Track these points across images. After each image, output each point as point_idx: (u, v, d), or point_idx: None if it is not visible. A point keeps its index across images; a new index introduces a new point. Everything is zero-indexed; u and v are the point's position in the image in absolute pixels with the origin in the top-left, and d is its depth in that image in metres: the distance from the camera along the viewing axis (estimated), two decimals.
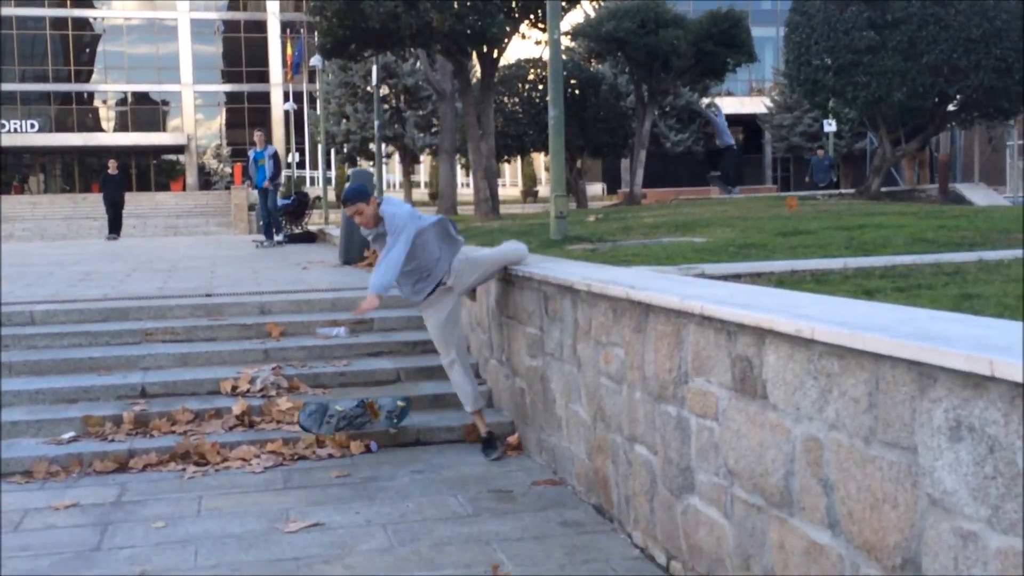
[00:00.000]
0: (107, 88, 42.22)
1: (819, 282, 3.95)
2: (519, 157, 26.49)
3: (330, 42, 14.44)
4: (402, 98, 29.07)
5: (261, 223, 15.18)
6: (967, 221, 6.59)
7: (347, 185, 5.23)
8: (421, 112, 28.79)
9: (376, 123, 16.03)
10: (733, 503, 2.82)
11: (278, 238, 14.22)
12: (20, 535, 3.79)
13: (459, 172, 22.32)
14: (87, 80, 42.18)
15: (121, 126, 42.17)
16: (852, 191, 16.39)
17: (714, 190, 18.54)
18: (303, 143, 37.86)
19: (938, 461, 1.97)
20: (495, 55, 15.26)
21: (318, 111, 28.31)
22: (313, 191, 24.79)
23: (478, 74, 17.05)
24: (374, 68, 17.67)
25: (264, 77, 42.45)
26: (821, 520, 2.38)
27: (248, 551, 3.55)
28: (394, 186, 33.87)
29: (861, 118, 15.61)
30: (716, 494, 2.91)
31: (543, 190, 32.31)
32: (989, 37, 12.44)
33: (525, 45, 18.21)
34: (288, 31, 39.20)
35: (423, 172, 37.95)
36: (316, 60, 23.04)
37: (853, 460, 2.24)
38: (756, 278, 4.11)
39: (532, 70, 20.76)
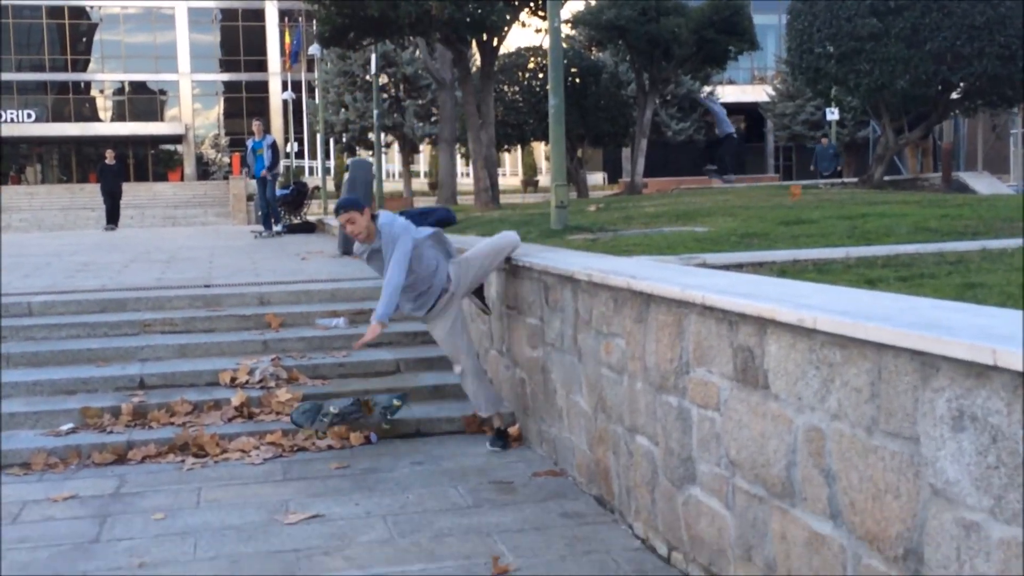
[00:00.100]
0: (104, 77, 42.05)
1: (821, 272, 3.93)
2: (519, 146, 26.41)
3: (329, 30, 14.36)
4: (401, 87, 28.95)
5: (260, 213, 15.13)
6: (970, 210, 6.56)
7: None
8: (420, 101, 28.67)
9: (375, 112, 15.95)
10: (735, 494, 2.81)
11: (277, 228, 14.17)
12: (18, 527, 3.78)
13: (459, 162, 22.25)
14: (84, 69, 42.00)
15: (118, 116, 42.02)
16: (855, 180, 16.34)
17: (714, 180, 18.47)
18: (301, 133, 37.73)
19: (940, 451, 1.96)
20: (495, 43, 15.17)
21: (317, 100, 28.20)
22: (312, 181, 24.70)
23: (478, 63, 16.97)
24: (373, 57, 17.58)
25: (262, 66, 42.27)
26: (823, 511, 2.37)
27: (247, 543, 3.53)
28: (393, 176, 33.81)
29: (864, 106, 15.54)
30: (718, 485, 2.91)
31: (543, 179, 32.22)
32: (993, 24, 12.37)
33: (525, 33, 18.11)
34: (286, 19, 38.99)
35: (423, 162, 37.84)
36: (315, 49, 22.92)
37: (855, 450, 2.23)
38: (758, 268, 4.09)
39: (532, 58, 20.66)
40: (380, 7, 13.14)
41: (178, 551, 3.47)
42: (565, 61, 15.92)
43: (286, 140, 35.17)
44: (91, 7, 41.62)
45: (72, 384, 5.26)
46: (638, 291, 3.34)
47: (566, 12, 17.98)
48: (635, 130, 18.98)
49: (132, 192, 28.27)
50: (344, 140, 29.91)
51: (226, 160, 40.08)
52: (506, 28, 14.93)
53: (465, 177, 27.17)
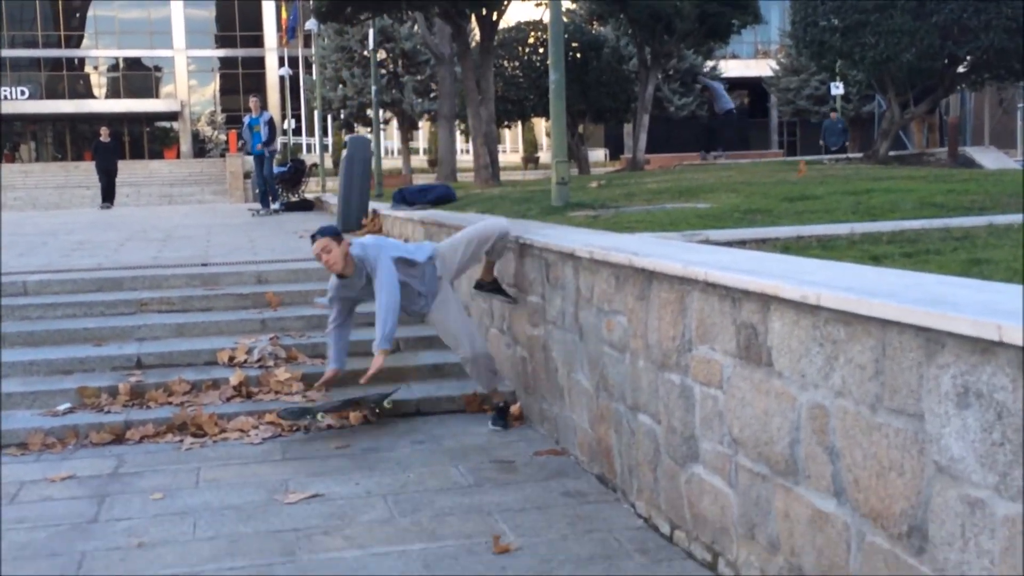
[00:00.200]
0: (98, 54, 41.62)
1: (825, 248, 3.89)
2: (519, 122, 26.20)
3: (326, 5, 14.15)
4: (400, 63, 28.66)
5: (257, 191, 15.04)
6: (977, 185, 6.50)
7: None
8: (419, 77, 28.40)
9: (373, 88, 15.74)
10: (738, 472, 2.80)
11: (274, 206, 14.09)
12: (16, 507, 3.76)
13: (458, 138, 22.07)
14: (78, 46, 41.55)
15: (113, 92, 41.63)
16: (860, 155, 16.22)
17: (722, 155, 18.34)
18: (299, 109, 37.42)
19: (945, 428, 1.94)
20: (494, 17, 14.96)
21: (314, 76, 27.93)
22: (309, 158, 24.56)
23: (477, 37, 16.74)
24: (371, 32, 17.34)
25: (259, 42, 41.81)
26: (827, 488, 2.36)
27: (247, 522, 3.52)
28: (392, 153, 33.56)
29: (869, 80, 15.41)
30: (720, 463, 2.89)
31: (544, 156, 32.00)
32: None
33: (525, 7, 17.89)
34: None
35: (422, 138, 37.56)
36: (311, 24, 22.63)
37: (859, 427, 2.21)
38: (761, 244, 4.06)
39: (532, 33, 20.41)
40: None
41: (177, 531, 3.45)
42: (566, 35, 15.71)
43: (283, 117, 34.92)
44: None
45: (69, 364, 5.23)
46: (640, 268, 3.31)
47: None
48: (637, 105, 18.78)
49: (127, 170, 28.09)
50: (342, 117, 29.67)
51: (222, 137, 39.80)
52: (506, 2, 14.72)
53: (465, 154, 26.97)
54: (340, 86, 28.72)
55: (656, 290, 3.23)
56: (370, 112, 23.02)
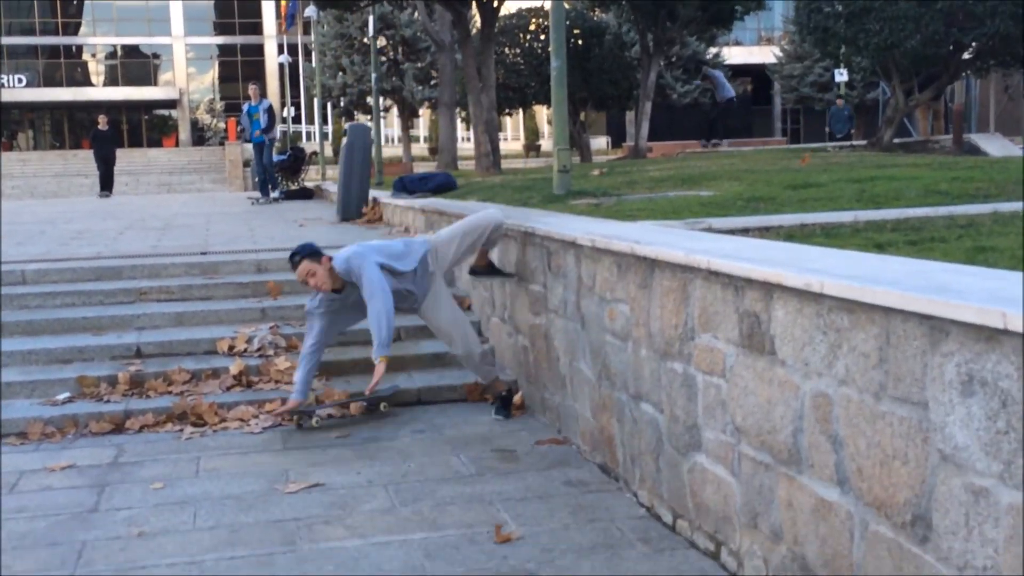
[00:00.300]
0: (96, 41, 41.41)
1: (829, 236, 3.88)
2: (521, 110, 26.09)
3: None
4: (400, 50, 28.50)
5: (256, 179, 14.98)
6: (982, 172, 6.45)
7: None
8: (420, 64, 28.25)
9: (373, 76, 15.63)
10: (740, 461, 2.78)
11: (274, 195, 14.04)
12: (16, 496, 3.75)
13: (459, 126, 21.97)
14: (75, 33, 41.34)
15: (111, 80, 41.46)
16: (864, 142, 16.13)
17: (722, 144, 18.24)
18: (298, 97, 37.29)
19: (949, 416, 1.93)
20: (495, 4, 14.85)
21: (313, 64, 27.79)
22: (309, 146, 24.47)
23: (478, 24, 16.63)
24: (371, 19, 17.22)
25: (257, 29, 41.60)
26: (830, 477, 2.35)
27: (248, 512, 3.50)
28: (392, 141, 33.46)
29: (873, 67, 15.30)
30: (723, 452, 2.88)
31: (546, 144, 31.88)
32: None
33: None
34: None
35: (422, 126, 37.43)
36: (311, 11, 22.48)
37: (863, 416, 2.20)
38: (764, 232, 4.04)
39: (534, 20, 20.27)
40: None
41: (177, 520, 3.44)
42: (567, 22, 15.61)
43: (283, 105, 34.78)
44: None
45: (68, 353, 5.20)
46: (642, 256, 3.29)
47: None
48: (639, 93, 18.66)
49: (126, 158, 28.04)
50: (342, 104, 29.55)
51: (222, 125, 39.66)
52: None
53: (466, 142, 26.88)
54: (340, 74, 28.58)
55: (658, 278, 3.21)
56: (370, 100, 22.93)
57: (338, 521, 3.38)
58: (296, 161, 15.56)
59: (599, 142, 30.58)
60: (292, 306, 5.87)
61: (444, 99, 17.23)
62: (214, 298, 6.04)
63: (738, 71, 31.32)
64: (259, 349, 5.30)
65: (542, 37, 19.66)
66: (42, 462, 4.16)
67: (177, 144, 39.46)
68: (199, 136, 40.94)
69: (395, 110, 30.23)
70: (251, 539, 3.24)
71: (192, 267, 6.44)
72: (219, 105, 41.62)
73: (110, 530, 3.36)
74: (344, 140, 9.71)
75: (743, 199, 5.42)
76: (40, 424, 4.52)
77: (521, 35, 20.14)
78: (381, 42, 26.31)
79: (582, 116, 20.99)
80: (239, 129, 14.72)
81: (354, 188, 9.48)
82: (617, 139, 32.48)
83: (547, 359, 4.47)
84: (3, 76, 38.67)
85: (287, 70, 34.34)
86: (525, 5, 20.82)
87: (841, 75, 19.29)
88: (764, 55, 33.57)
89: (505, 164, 16.42)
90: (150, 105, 41.91)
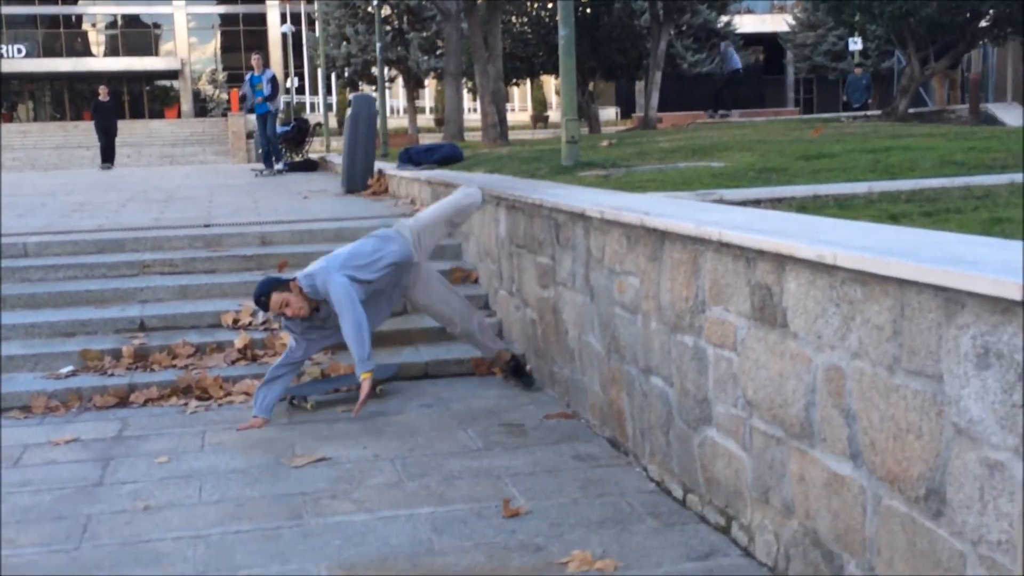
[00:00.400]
0: (96, 11, 40.95)
1: (842, 207, 3.82)
2: (528, 80, 25.80)
3: None
4: (405, 19, 28.13)
5: (260, 151, 14.88)
6: (999, 142, 6.36)
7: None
8: (425, 33, 27.90)
9: (378, 45, 15.42)
10: (752, 435, 2.75)
11: (278, 166, 13.94)
12: (20, 470, 3.74)
13: (466, 96, 21.75)
14: (75, 2, 40.86)
15: (112, 50, 41.08)
16: (878, 112, 15.87)
17: (733, 114, 18.03)
18: (302, 67, 36.96)
19: (964, 389, 1.91)
20: None
21: (317, 33, 27.48)
22: (313, 117, 24.29)
23: None
24: None
25: None
26: (843, 451, 2.33)
27: (253, 486, 3.48)
28: (398, 112, 33.19)
29: (888, 35, 14.97)
30: (734, 426, 2.85)
31: (553, 115, 31.62)
32: None
33: None
34: None
35: (428, 97, 37.09)
36: None
37: (876, 389, 2.18)
38: (776, 203, 3.99)
39: None
40: None
41: (183, 494, 3.42)
42: None
43: (286, 75, 34.46)
44: None
45: (71, 326, 5.17)
46: (652, 228, 3.24)
47: None
48: (649, 62, 18.40)
49: (127, 130, 27.86)
50: (346, 75, 29.25)
51: (224, 96, 39.37)
52: None
53: (472, 113, 26.62)
54: (344, 43, 28.27)
55: (669, 250, 3.17)
56: (375, 70, 22.68)
57: (345, 495, 3.36)
58: (300, 132, 15.43)
59: (608, 113, 30.28)
60: None
61: (450, 69, 17.01)
62: (218, 271, 6.00)
63: (750, 40, 30.85)
64: (264, 322, 5.26)
65: (550, 5, 19.38)
66: (46, 436, 4.15)
67: (179, 115, 39.20)
68: (201, 107, 40.65)
69: (400, 80, 29.96)
70: (257, 513, 3.23)
71: (195, 239, 6.39)
72: (221, 76, 41.26)
73: (115, 504, 3.34)
74: (348, 111, 9.60)
75: (755, 170, 5.35)
76: (44, 398, 4.51)
77: (528, 3, 19.87)
78: (386, 11, 25.99)
79: (591, 86, 20.74)
80: (241, 95, 14.55)
81: (359, 160, 9.39)
82: (626, 110, 32.14)
83: (556, 332, 4.43)
84: (2, 46, 38.29)
85: (290, 40, 33.97)
86: None
87: (855, 43, 18.95)
88: (777, 23, 33.01)
89: (512, 135, 16.30)
90: (151, 76, 41.56)
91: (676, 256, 3.11)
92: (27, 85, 41.23)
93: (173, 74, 40.77)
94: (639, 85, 26.99)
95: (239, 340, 5.02)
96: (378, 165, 9.69)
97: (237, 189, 11.00)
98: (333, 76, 30.48)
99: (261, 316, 5.29)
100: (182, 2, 40.67)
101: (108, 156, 18.93)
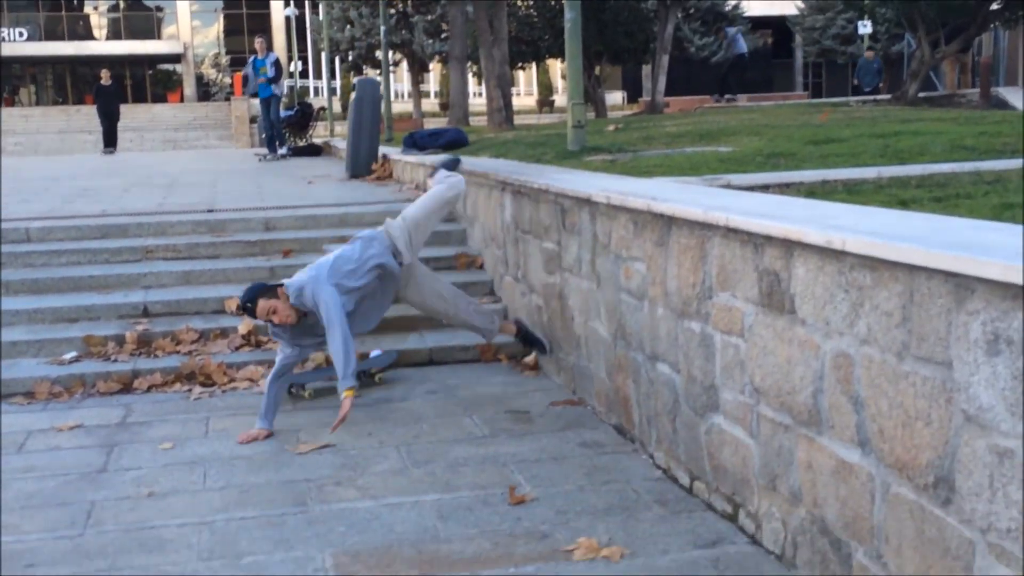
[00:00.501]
0: None
1: (851, 192, 3.77)
2: (534, 64, 25.60)
3: None
4: (409, 2, 27.92)
5: (263, 136, 14.81)
6: (1010, 127, 6.28)
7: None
8: (430, 16, 27.67)
9: (382, 29, 15.28)
10: (759, 422, 2.73)
11: (282, 151, 13.88)
12: (24, 456, 3.73)
13: (471, 80, 21.58)
14: None
15: (114, 34, 40.87)
16: (888, 96, 15.73)
17: (741, 98, 17.87)
18: (305, 51, 36.76)
19: (974, 376, 1.89)
20: None
21: (321, 17, 27.32)
22: (317, 102, 24.18)
23: None
24: None
25: None
26: (851, 438, 2.31)
27: (258, 472, 3.48)
28: (402, 96, 33.03)
29: (898, 18, 14.82)
30: (741, 413, 2.83)
31: (559, 99, 31.39)
32: None
33: None
34: None
35: (433, 81, 36.87)
36: None
37: (885, 376, 2.16)
38: (785, 189, 3.94)
39: None
40: None
41: (187, 480, 3.42)
42: None
43: (289, 59, 34.26)
44: None
45: (74, 312, 5.16)
46: (659, 213, 3.21)
47: None
48: (656, 46, 18.22)
49: (130, 114, 27.72)
50: (350, 58, 29.07)
51: (227, 80, 39.22)
52: None
53: (477, 97, 26.44)
54: (348, 26, 28.07)
55: (676, 236, 3.14)
56: (379, 54, 22.56)
57: (349, 482, 3.35)
58: (304, 117, 15.36)
59: (614, 97, 30.05)
60: (301, 265, 5.78)
61: (455, 53, 16.88)
62: (222, 256, 5.97)
63: (758, 23, 30.51)
64: None
65: None
66: (50, 422, 4.14)
67: (182, 99, 39.08)
68: (204, 91, 40.49)
69: (405, 64, 29.76)
70: (261, 500, 3.22)
71: (199, 225, 6.36)
72: (224, 59, 41.07)
73: (119, 490, 3.34)
74: (353, 95, 9.52)
75: (763, 155, 5.29)
76: (47, 383, 4.50)
77: None
78: None
79: (597, 70, 20.57)
80: (244, 76, 14.46)
81: (363, 144, 9.33)
82: (633, 94, 31.90)
83: (561, 319, 4.40)
84: (4, 29, 38.11)
85: (294, 23, 33.76)
86: None
87: (865, 27, 18.71)
88: (785, 6, 32.63)
89: (518, 120, 16.18)
90: (154, 59, 41.38)
91: (683, 242, 3.09)
92: (29, 69, 41.09)
93: (176, 58, 40.60)
94: (646, 69, 26.78)
95: (243, 326, 5.00)
96: (382, 150, 9.63)
97: (241, 174, 10.96)
98: (337, 60, 30.32)
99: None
100: None
101: (111, 141, 18.88)
